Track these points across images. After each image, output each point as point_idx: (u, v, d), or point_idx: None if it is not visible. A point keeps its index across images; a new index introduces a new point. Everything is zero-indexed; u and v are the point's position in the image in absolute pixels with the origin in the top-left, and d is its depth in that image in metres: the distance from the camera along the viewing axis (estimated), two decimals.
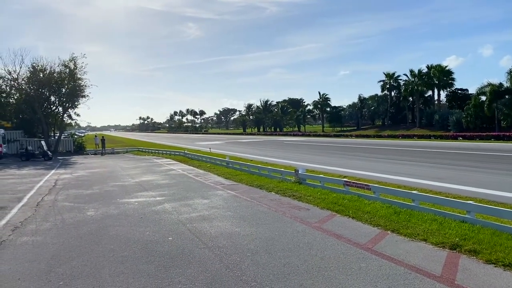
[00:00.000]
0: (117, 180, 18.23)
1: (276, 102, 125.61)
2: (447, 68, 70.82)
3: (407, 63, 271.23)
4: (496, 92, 52.29)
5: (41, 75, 40.23)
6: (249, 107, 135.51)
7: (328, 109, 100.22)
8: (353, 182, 12.08)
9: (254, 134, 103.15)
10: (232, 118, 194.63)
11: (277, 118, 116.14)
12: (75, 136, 50.31)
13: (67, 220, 9.92)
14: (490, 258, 6.08)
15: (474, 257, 6.26)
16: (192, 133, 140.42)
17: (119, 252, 7.06)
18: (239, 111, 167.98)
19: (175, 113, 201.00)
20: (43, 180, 18.76)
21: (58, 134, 44.02)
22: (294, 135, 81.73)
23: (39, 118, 40.28)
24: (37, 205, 12.14)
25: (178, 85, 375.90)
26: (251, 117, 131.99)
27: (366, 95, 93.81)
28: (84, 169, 24.69)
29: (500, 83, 53.40)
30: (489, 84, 53.71)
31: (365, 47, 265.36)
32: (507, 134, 43.08)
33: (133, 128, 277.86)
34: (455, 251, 6.57)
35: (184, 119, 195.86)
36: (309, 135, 78.35)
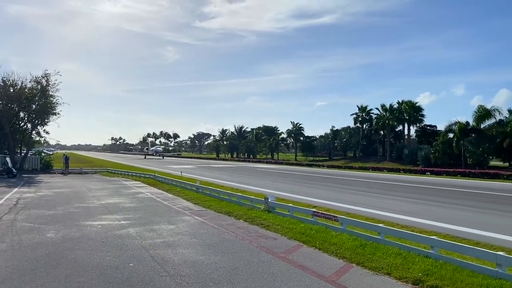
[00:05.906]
0: (82, 201, 17.71)
1: (251, 129, 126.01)
2: (417, 104, 73.03)
3: (382, 97, 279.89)
4: (463, 130, 54.23)
5: (11, 90, 39.37)
6: (223, 132, 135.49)
7: (302, 138, 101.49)
8: (322, 213, 12.09)
9: (227, 160, 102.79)
10: (206, 143, 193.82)
11: (251, 144, 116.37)
12: (43, 154, 48.90)
13: (25, 241, 9.50)
14: None
15: None
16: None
17: (75, 277, 6.77)
18: (214, 136, 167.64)
19: (148, 135, 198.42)
20: (4, 199, 18.06)
21: (25, 151, 42.74)
22: (267, 162, 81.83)
23: (6, 134, 39.17)
24: None
25: (154, 107, 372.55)
26: (225, 142, 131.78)
27: (340, 127, 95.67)
28: (49, 188, 23.90)
29: (467, 122, 55.50)
30: (457, 122, 55.72)
31: (340, 80, 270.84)
32: (473, 171, 44.37)
33: (104, 149, 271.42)
34: (417, 286, 6.60)
35: (157, 142, 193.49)
36: (282, 163, 78.60)
